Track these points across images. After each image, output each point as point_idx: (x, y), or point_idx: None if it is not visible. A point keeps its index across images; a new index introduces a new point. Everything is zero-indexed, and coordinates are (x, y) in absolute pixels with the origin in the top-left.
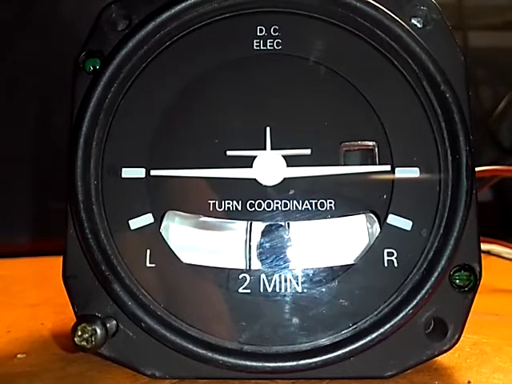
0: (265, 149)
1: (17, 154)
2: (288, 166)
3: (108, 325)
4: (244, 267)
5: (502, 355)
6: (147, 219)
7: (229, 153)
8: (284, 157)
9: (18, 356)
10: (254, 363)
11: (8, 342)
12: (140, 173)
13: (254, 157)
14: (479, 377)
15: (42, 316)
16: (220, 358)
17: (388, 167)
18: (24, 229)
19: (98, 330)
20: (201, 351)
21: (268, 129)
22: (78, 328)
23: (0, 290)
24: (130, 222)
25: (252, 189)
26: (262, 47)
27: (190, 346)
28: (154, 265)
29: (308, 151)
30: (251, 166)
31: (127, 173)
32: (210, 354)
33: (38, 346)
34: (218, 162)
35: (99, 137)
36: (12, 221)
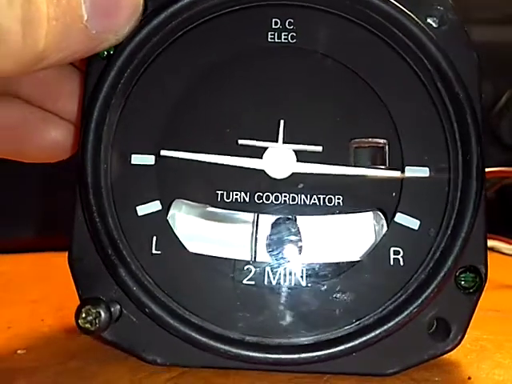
0: (277, 141)
1: None
2: (298, 160)
3: (112, 309)
4: (249, 259)
5: (502, 351)
6: (155, 206)
7: (240, 141)
8: (295, 151)
9: (19, 352)
10: (255, 354)
11: (8, 338)
12: (149, 160)
13: (265, 148)
14: (480, 373)
15: (42, 312)
16: (222, 347)
17: (398, 173)
18: (29, 224)
19: (102, 313)
20: (203, 339)
21: (282, 122)
22: (83, 310)
23: (0, 286)
24: (137, 208)
25: (260, 181)
26: (276, 40)
27: (193, 334)
28: (159, 252)
29: (319, 148)
30: (261, 157)
31: (137, 159)
32: (212, 343)
33: (39, 342)
34: (229, 149)
35: (110, 121)
36: (17, 216)
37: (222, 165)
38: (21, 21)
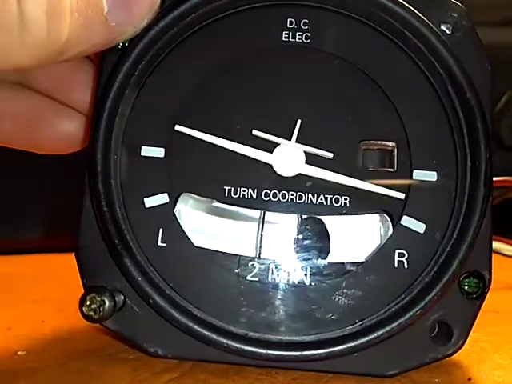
0: (290, 139)
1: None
2: (306, 162)
3: (116, 298)
4: (254, 255)
5: (502, 352)
6: (162, 199)
7: (254, 132)
8: (305, 153)
9: (19, 353)
10: (258, 349)
11: (8, 339)
12: (159, 152)
13: (277, 144)
14: (479, 374)
15: (42, 313)
16: (225, 341)
17: (402, 195)
18: (32, 226)
19: (107, 302)
20: (206, 333)
21: (299, 121)
22: (87, 298)
23: (1, 287)
24: (145, 199)
25: (268, 178)
26: (290, 39)
27: (196, 327)
28: (165, 244)
29: (330, 155)
30: (271, 152)
31: (146, 151)
32: (214, 337)
33: (39, 343)
34: (241, 138)
35: (122, 112)
36: (20, 217)
37: (232, 153)
38: (46, 12)
